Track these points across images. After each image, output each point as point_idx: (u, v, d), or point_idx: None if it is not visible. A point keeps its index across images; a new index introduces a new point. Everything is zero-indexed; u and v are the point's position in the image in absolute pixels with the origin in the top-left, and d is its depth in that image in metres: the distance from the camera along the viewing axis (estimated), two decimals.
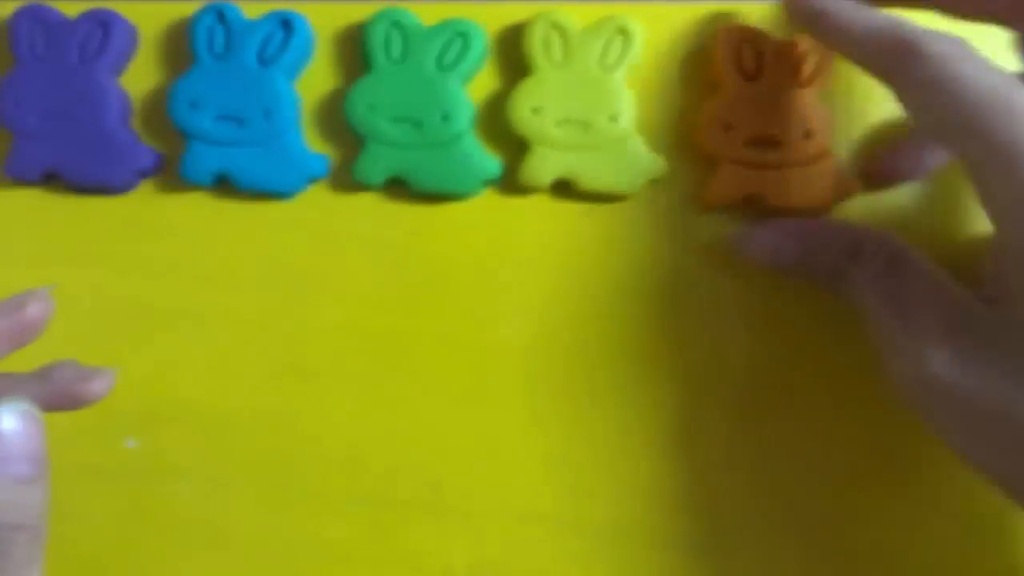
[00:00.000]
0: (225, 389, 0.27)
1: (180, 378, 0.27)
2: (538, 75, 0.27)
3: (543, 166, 0.27)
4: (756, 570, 0.25)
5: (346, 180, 0.28)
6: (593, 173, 0.26)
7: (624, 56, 0.27)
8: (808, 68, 0.26)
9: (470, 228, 0.27)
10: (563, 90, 0.27)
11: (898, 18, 0.22)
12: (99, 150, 0.27)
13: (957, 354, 0.20)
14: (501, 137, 0.27)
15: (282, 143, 0.27)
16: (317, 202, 0.28)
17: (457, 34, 0.27)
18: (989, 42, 0.23)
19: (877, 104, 0.27)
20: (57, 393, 0.20)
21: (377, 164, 0.27)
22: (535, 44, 0.27)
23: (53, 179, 0.28)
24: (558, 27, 0.27)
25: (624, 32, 0.27)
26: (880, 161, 0.26)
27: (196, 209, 0.28)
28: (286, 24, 0.27)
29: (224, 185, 0.28)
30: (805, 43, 0.26)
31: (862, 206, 0.27)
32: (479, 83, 0.28)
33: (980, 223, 0.22)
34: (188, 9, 0.28)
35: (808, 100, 0.26)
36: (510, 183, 0.27)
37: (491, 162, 0.27)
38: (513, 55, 0.28)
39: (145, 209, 0.28)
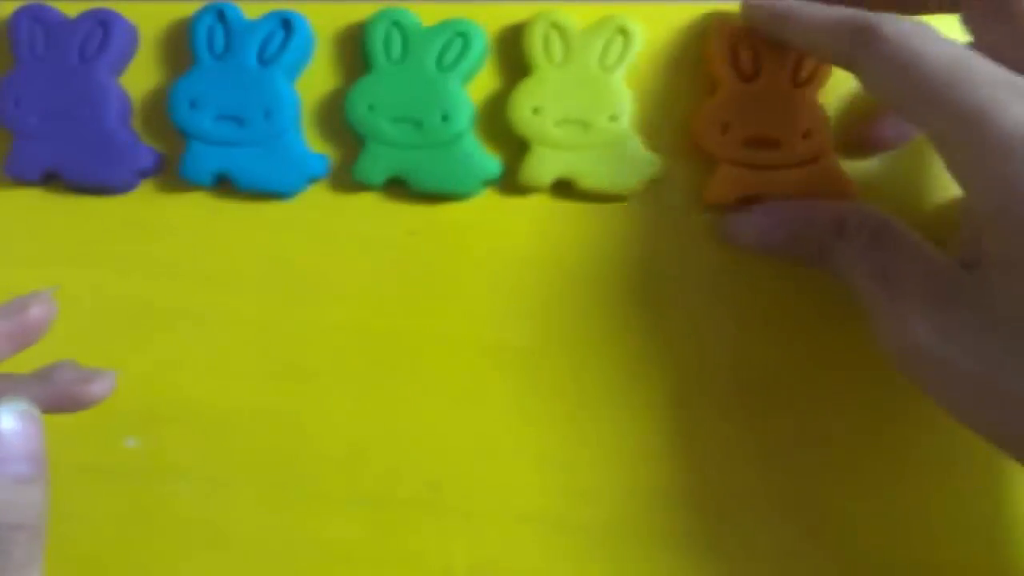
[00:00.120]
0: (225, 389, 0.27)
1: (180, 378, 0.27)
2: (538, 75, 0.27)
3: (543, 166, 0.27)
4: (756, 569, 0.25)
5: (346, 180, 0.28)
6: (593, 173, 0.26)
7: (624, 56, 0.27)
8: (805, 68, 0.26)
9: (470, 228, 0.27)
10: (563, 90, 0.26)
11: (853, 9, 0.23)
12: (99, 150, 0.27)
13: (942, 322, 0.21)
14: (501, 137, 0.27)
15: (282, 143, 0.27)
16: (317, 202, 0.28)
17: (457, 34, 0.27)
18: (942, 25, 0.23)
19: (874, 104, 0.27)
20: (57, 395, 0.20)
21: (377, 164, 0.27)
22: (535, 44, 0.27)
23: (53, 179, 0.28)
24: (558, 27, 0.27)
25: (624, 32, 0.27)
26: (857, 131, 0.27)
27: (196, 209, 0.28)
28: (286, 24, 0.27)
29: (224, 185, 0.28)
30: None
31: None
32: (479, 83, 0.28)
33: (953, 189, 0.22)
34: (188, 9, 0.28)
35: (806, 100, 0.26)
36: (510, 183, 0.27)
37: (491, 162, 0.27)
38: (513, 55, 0.28)
39: (145, 209, 0.28)
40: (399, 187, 0.27)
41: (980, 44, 0.23)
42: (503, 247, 0.27)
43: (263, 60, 0.27)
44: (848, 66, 0.23)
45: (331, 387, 0.27)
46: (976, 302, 0.20)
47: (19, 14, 0.28)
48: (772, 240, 0.25)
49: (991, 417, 0.20)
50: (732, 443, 0.26)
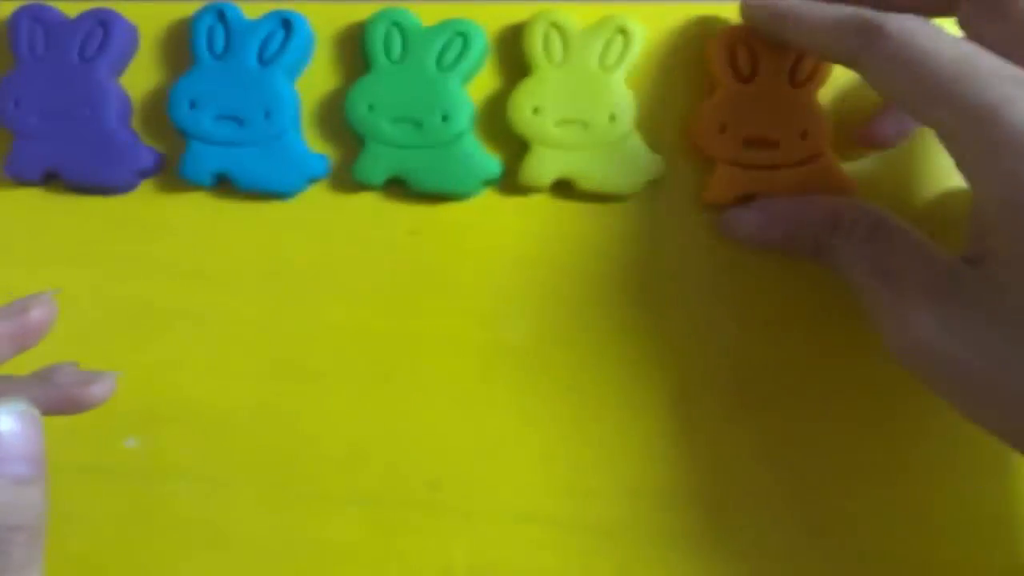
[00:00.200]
0: (225, 389, 0.27)
1: (180, 378, 0.27)
2: (538, 75, 0.27)
3: (543, 166, 0.27)
4: (759, 567, 0.25)
5: (346, 180, 0.28)
6: (593, 173, 0.26)
7: (624, 56, 0.27)
8: (804, 68, 0.26)
9: (470, 228, 0.27)
10: (563, 90, 0.26)
11: (854, 7, 0.23)
12: (99, 150, 0.27)
13: (944, 317, 0.21)
14: (501, 137, 0.27)
15: (282, 143, 0.27)
16: (317, 202, 0.28)
17: (457, 34, 0.27)
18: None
19: (874, 103, 0.27)
20: (58, 397, 0.20)
21: (377, 164, 0.27)
22: (535, 44, 0.27)
23: (53, 179, 0.28)
24: (558, 27, 0.27)
25: (624, 32, 0.27)
26: (855, 130, 0.26)
27: (196, 209, 0.28)
28: (286, 24, 0.27)
29: (224, 185, 0.28)
30: None
31: None
32: (479, 83, 0.28)
33: (959, 184, 0.22)
34: (188, 9, 0.28)
35: (804, 100, 0.26)
36: (510, 183, 0.27)
37: (491, 162, 0.27)
38: (513, 55, 0.28)
39: (145, 209, 0.28)
40: (399, 187, 0.27)
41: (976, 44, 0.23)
42: (503, 247, 0.27)
43: (263, 60, 0.27)
44: (853, 65, 0.23)
45: (331, 387, 0.27)
46: (980, 297, 0.20)
47: (19, 14, 0.28)
48: (769, 235, 0.25)
49: (996, 411, 0.20)
50: (733, 442, 0.26)
